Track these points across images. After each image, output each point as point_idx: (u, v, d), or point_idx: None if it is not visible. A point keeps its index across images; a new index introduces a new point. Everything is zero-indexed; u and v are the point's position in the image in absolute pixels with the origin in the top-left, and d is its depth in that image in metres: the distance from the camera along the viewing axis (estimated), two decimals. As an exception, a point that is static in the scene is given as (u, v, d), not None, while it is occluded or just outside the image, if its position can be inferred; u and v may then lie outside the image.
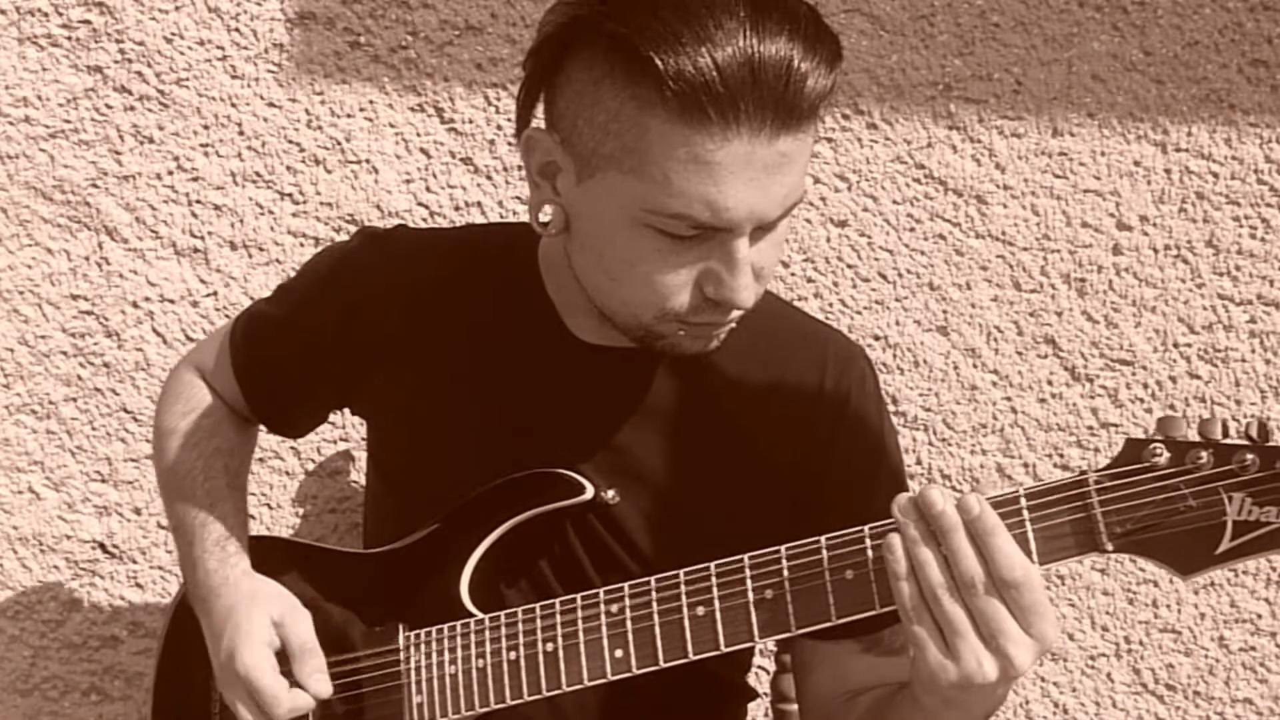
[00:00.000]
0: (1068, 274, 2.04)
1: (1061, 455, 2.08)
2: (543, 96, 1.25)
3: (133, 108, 1.97)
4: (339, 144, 1.99)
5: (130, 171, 1.99)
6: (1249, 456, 1.05)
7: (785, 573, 1.20)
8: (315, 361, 1.51)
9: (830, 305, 2.04)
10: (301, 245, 2.01)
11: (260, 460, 2.05)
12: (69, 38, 1.96)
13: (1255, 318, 2.06)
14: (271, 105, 1.98)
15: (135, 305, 2.02)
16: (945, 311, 2.05)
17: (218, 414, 1.59)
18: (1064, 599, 2.13)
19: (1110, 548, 1.10)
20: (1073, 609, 2.13)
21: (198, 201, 2.00)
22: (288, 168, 1.99)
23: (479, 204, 2.02)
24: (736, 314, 1.26)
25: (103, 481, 2.06)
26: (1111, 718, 2.16)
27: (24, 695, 2.09)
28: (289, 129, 1.99)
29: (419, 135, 2.00)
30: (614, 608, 1.27)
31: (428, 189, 2.01)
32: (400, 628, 1.40)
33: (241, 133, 1.98)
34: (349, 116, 1.99)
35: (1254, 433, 1.05)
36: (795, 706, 1.76)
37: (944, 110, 2.00)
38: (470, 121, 1.99)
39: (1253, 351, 2.06)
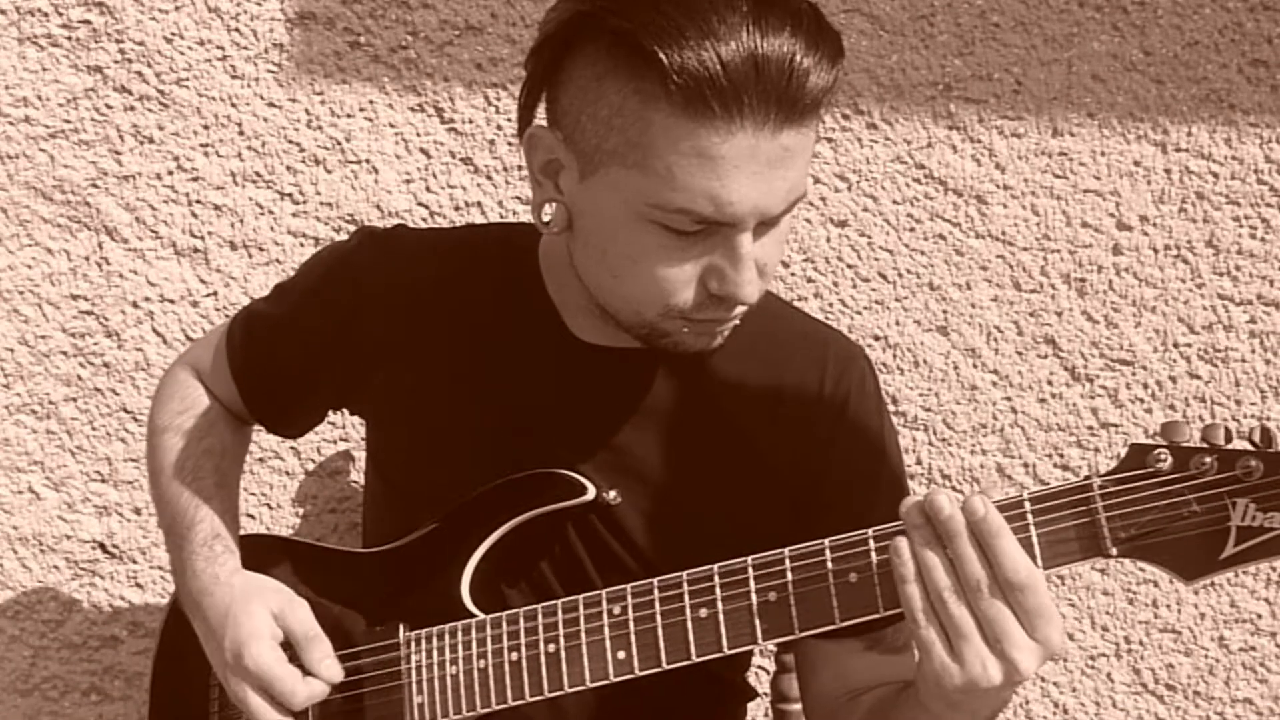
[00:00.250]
0: (1068, 274, 2.04)
1: (1061, 455, 2.08)
2: (545, 94, 1.25)
3: (133, 108, 1.97)
4: (339, 144, 1.99)
5: (130, 171, 1.98)
6: (1253, 462, 1.05)
7: (789, 575, 1.20)
8: (314, 361, 1.51)
9: (830, 305, 2.04)
10: (301, 245, 2.01)
11: (260, 460, 2.05)
12: (69, 38, 1.95)
13: (1255, 318, 2.06)
14: (271, 105, 1.98)
15: (135, 305, 2.01)
16: (945, 311, 2.05)
17: (211, 414, 1.59)
18: (1064, 599, 2.13)
19: (1114, 553, 1.10)
20: (1073, 609, 2.13)
21: (198, 201, 2.00)
22: (288, 168, 1.99)
23: (479, 204, 2.01)
24: (740, 310, 1.26)
25: (103, 481, 2.06)
26: (1111, 718, 2.16)
27: (24, 695, 2.09)
28: (289, 129, 1.99)
29: (419, 135, 1.99)
30: (616, 609, 1.27)
31: (428, 189, 2.01)
32: (401, 627, 1.39)
33: (241, 133, 1.98)
34: (349, 116, 1.99)
35: (1258, 439, 1.05)
36: (795, 706, 1.77)
37: (944, 110, 2.00)
38: (470, 121, 1.99)
39: (1253, 351, 2.06)
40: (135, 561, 2.08)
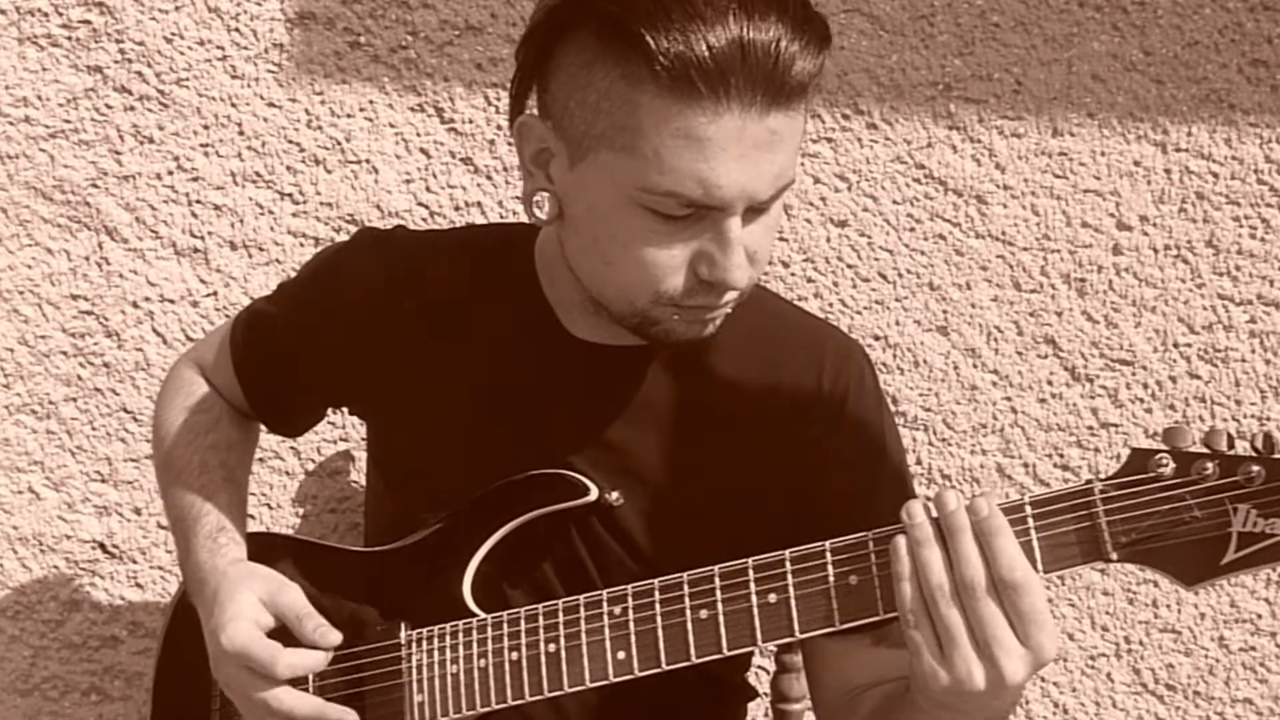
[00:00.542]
0: (1068, 274, 2.04)
1: (1061, 455, 2.09)
2: (535, 84, 1.26)
3: (133, 108, 1.97)
4: (339, 144, 1.99)
5: (130, 171, 1.98)
6: (1255, 468, 1.05)
7: (789, 577, 1.20)
8: (314, 361, 1.51)
9: (830, 305, 2.04)
10: (301, 245, 2.01)
11: (260, 460, 2.05)
12: (69, 38, 1.95)
13: (1255, 318, 2.06)
14: (271, 105, 1.98)
15: (135, 305, 2.01)
16: (945, 311, 2.05)
17: (216, 410, 1.59)
18: (1064, 599, 2.13)
19: (1115, 557, 1.10)
20: (1073, 609, 2.14)
21: (198, 201, 2.00)
22: (288, 168, 1.99)
23: (479, 204, 2.01)
24: (730, 296, 1.26)
25: (103, 481, 2.06)
26: (1111, 718, 2.17)
27: (24, 695, 2.10)
28: (289, 129, 1.98)
29: (419, 135, 1.99)
30: (617, 609, 1.27)
31: (428, 189, 2.01)
32: (402, 626, 1.40)
33: (241, 133, 1.98)
34: (349, 116, 1.99)
35: (1260, 445, 1.05)
36: (796, 706, 1.77)
37: (944, 110, 2.00)
38: (470, 121, 1.99)
39: (1253, 351, 2.06)
40: (135, 561, 2.08)
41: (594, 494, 1.37)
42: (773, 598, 1.21)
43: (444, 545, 1.42)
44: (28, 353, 2.02)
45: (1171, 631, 2.14)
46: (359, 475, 2.07)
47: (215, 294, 2.02)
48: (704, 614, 1.23)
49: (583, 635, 1.28)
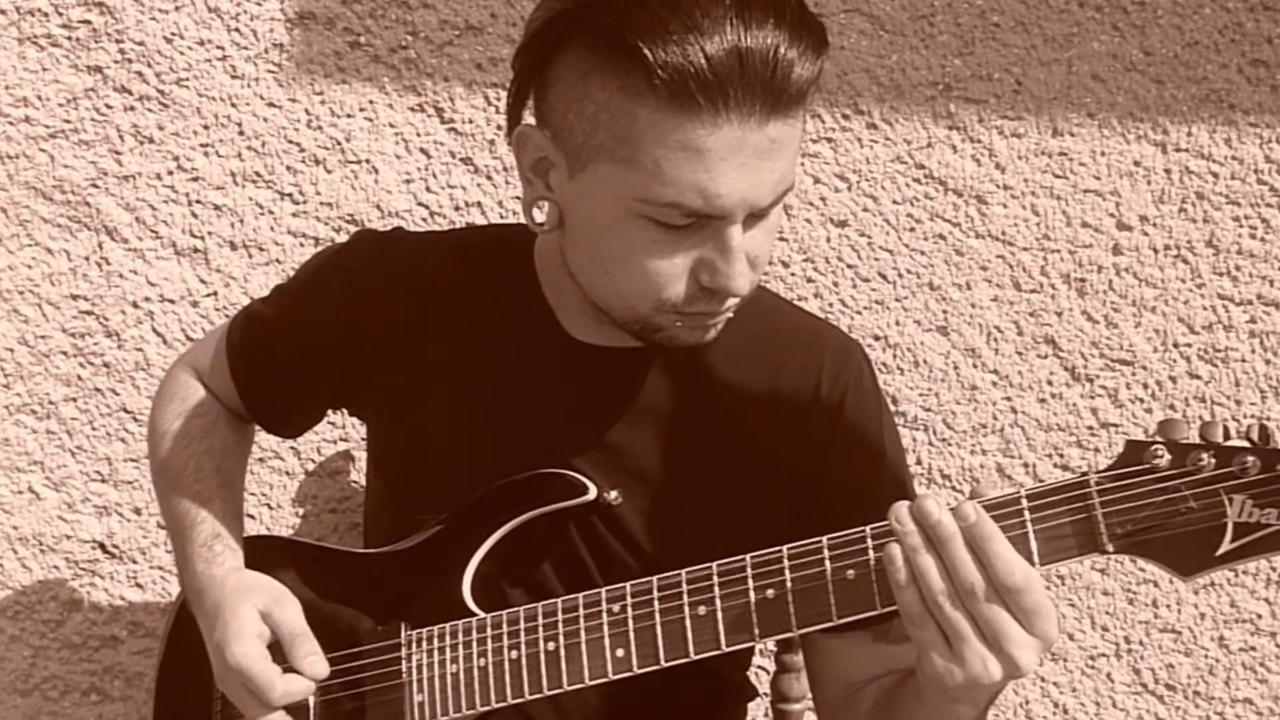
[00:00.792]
0: (1068, 274, 2.04)
1: (1061, 455, 2.08)
2: (533, 93, 1.26)
3: (133, 108, 1.97)
4: (339, 144, 1.99)
5: (130, 171, 1.99)
6: (1250, 459, 1.05)
7: (787, 573, 1.20)
8: (312, 363, 1.51)
9: (830, 305, 2.04)
10: (301, 245, 2.01)
11: (260, 460, 2.06)
12: (69, 38, 1.96)
13: (1255, 318, 2.06)
14: (271, 105, 1.98)
15: (135, 305, 2.02)
16: (945, 311, 2.05)
17: (212, 414, 1.59)
18: (1064, 599, 2.13)
19: (1111, 549, 1.10)
20: (1073, 609, 2.13)
21: (198, 201, 2.00)
22: (288, 168, 1.99)
23: (479, 204, 2.02)
24: (732, 303, 1.26)
25: (103, 481, 2.06)
26: (1111, 718, 2.16)
27: (24, 695, 2.10)
28: (289, 129, 1.99)
29: (419, 135, 2.00)
30: (615, 607, 1.27)
31: (428, 189, 2.01)
32: (402, 626, 1.40)
33: (241, 133, 1.98)
34: (349, 116, 1.99)
35: (1255, 435, 1.05)
36: (796, 706, 1.77)
37: (944, 110, 2.00)
38: (470, 121, 1.99)
39: (1253, 351, 2.06)
40: (135, 561, 2.08)
41: (593, 493, 1.37)
42: (771, 593, 1.21)
43: (444, 545, 1.42)
44: (28, 353, 2.02)
45: (1171, 631, 2.14)
46: (359, 475, 2.07)
47: (215, 294, 2.02)
48: (702, 610, 1.23)
49: (582, 633, 1.28)
